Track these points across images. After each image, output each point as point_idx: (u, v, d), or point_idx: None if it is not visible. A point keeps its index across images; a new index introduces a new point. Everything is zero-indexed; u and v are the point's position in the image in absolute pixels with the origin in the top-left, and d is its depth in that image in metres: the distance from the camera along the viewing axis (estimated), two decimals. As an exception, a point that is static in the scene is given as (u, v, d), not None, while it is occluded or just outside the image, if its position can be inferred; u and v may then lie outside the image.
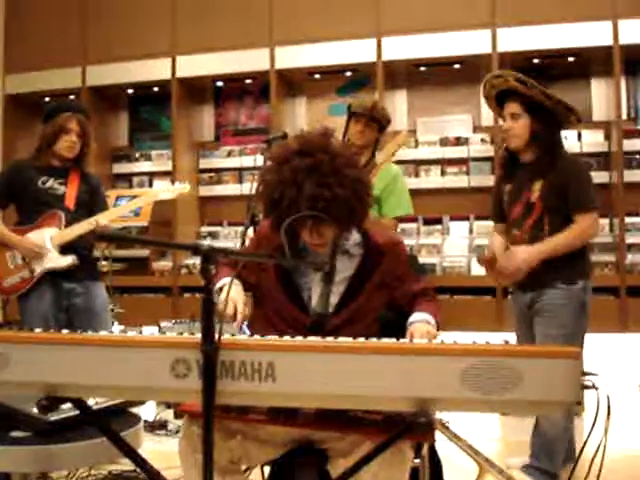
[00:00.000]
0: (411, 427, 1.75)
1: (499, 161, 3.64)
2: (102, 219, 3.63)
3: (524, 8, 5.22)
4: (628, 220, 5.17)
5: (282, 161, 2.21)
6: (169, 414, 4.21)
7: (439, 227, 5.67)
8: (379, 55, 5.47)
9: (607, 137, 5.40)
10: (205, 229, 6.16)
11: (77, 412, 2.58)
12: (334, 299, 2.35)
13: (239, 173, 6.10)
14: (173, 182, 5.95)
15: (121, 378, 1.70)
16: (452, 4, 5.35)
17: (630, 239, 5.17)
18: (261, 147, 4.01)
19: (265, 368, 1.64)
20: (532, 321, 3.31)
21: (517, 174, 3.35)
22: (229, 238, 6.08)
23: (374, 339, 1.78)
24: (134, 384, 1.70)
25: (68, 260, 3.62)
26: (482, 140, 5.61)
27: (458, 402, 1.63)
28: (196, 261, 5.88)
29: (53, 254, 3.63)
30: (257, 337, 1.73)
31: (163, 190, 3.94)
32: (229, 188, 6.02)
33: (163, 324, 5.36)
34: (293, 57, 5.66)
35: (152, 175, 6.27)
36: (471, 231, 5.61)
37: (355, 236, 2.38)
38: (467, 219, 5.65)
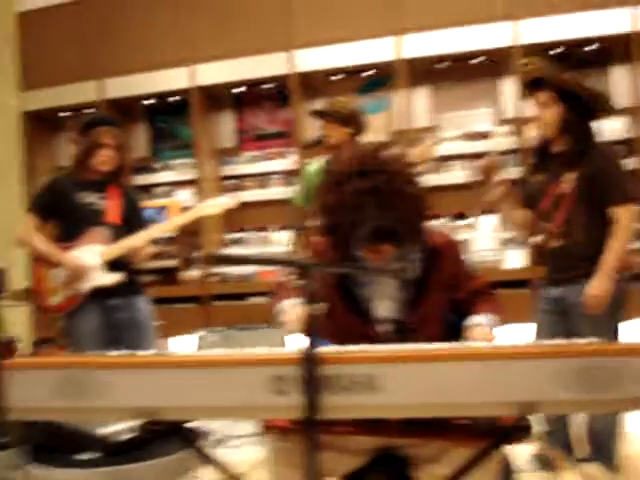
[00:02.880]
0: (512, 431, 1.75)
1: (530, 151, 3.62)
2: (138, 240, 3.64)
3: (542, -1, 5.22)
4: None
5: (342, 182, 2.20)
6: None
7: (465, 223, 5.66)
8: (399, 53, 5.46)
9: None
10: (230, 236, 6.15)
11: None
12: (397, 305, 2.36)
13: (263, 178, 6.08)
14: (199, 192, 6.01)
15: (222, 398, 1.69)
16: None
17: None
18: (300, 152, 4.02)
19: (367, 380, 1.64)
20: (562, 315, 3.29)
21: (548, 165, 3.33)
22: (254, 244, 6.06)
23: (453, 343, 1.79)
24: (235, 404, 1.69)
25: (114, 277, 3.63)
26: (506, 133, 5.59)
27: (562, 404, 1.63)
28: (227, 269, 5.88)
29: (98, 271, 3.62)
30: (356, 349, 1.72)
31: (209, 205, 3.92)
32: (253, 194, 5.98)
33: (200, 334, 5.39)
34: (312, 60, 5.65)
35: (174, 185, 6.25)
36: (498, 225, 5.59)
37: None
38: (494, 213, 5.63)
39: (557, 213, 3.24)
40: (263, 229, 6.05)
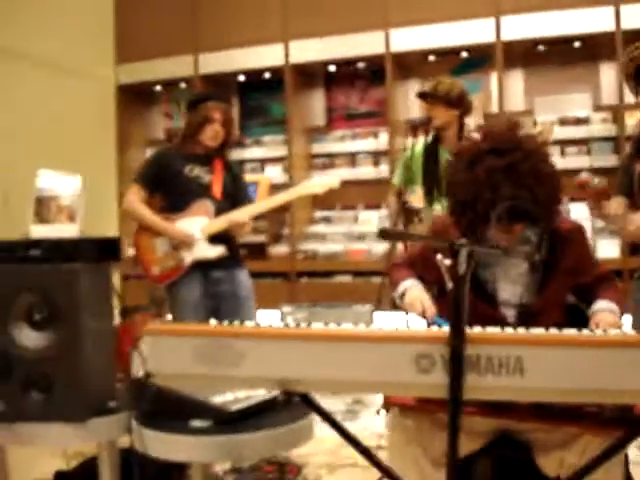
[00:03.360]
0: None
1: (633, 138, 3.49)
2: (245, 214, 3.68)
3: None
4: None
5: (474, 160, 2.17)
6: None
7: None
8: (498, 35, 5.37)
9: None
10: (319, 214, 6.18)
11: (256, 401, 2.65)
12: (521, 291, 2.33)
13: (352, 157, 6.09)
14: (285, 168, 6.04)
15: (362, 373, 1.69)
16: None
17: None
18: (406, 130, 4.01)
19: (513, 362, 1.63)
20: None
21: None
22: (343, 222, 6.09)
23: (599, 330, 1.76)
24: (376, 379, 1.70)
25: (218, 250, 3.68)
26: (603, 119, 5.46)
27: None
28: (315, 246, 5.92)
29: (203, 244, 3.68)
30: (502, 331, 1.71)
31: (314, 184, 3.91)
32: (342, 172, 5.96)
33: (285, 309, 5.44)
34: (409, 39, 5.60)
35: (264, 162, 6.31)
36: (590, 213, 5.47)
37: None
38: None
39: None
40: (352, 208, 6.06)
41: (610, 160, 5.32)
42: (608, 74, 5.47)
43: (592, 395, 1.66)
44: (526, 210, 2.07)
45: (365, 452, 1.91)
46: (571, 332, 1.73)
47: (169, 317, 4.40)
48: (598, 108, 5.55)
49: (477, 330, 1.68)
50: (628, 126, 5.15)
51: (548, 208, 2.16)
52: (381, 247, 5.77)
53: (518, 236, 2.27)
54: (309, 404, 1.88)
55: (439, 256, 1.68)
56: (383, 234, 1.78)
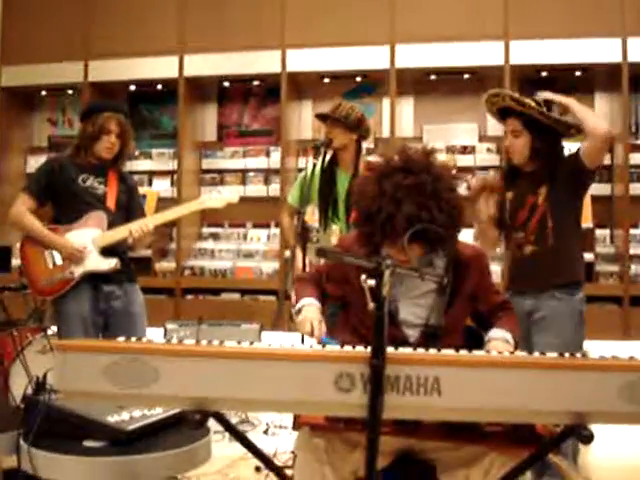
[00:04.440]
0: (560, 440, 1.79)
1: (500, 172, 3.72)
2: (150, 223, 3.60)
3: (536, 22, 5.33)
4: (632, 232, 5.31)
5: (383, 175, 2.23)
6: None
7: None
8: (392, 62, 5.51)
9: (609, 150, 5.53)
10: (207, 230, 6.12)
11: (151, 421, 2.57)
12: (424, 311, 2.39)
13: (243, 174, 6.07)
14: (173, 182, 5.95)
15: (281, 392, 1.68)
16: (466, 15, 5.43)
17: (633, 250, 5.31)
18: (308, 150, 4.03)
19: (431, 382, 1.66)
20: (529, 329, 3.33)
21: (518, 182, 3.41)
22: (230, 240, 6.05)
23: (508, 353, 1.83)
24: (295, 398, 1.69)
25: (111, 263, 3.57)
26: (488, 149, 5.71)
27: (615, 416, 1.68)
28: (202, 263, 5.85)
29: (95, 256, 3.56)
30: (422, 351, 1.74)
31: (211, 199, 3.85)
32: (232, 189, 5.91)
33: (169, 326, 5.32)
34: (305, 60, 5.65)
35: (152, 174, 6.18)
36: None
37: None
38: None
39: (531, 221, 3.33)
40: (241, 225, 6.03)
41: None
42: (494, 106, 5.69)
43: (506, 415, 1.72)
44: (423, 230, 2.12)
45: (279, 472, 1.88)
46: (482, 354, 1.79)
47: (51, 331, 4.23)
48: (484, 138, 5.78)
49: (393, 351, 1.70)
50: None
51: (445, 234, 2.21)
52: (270, 266, 5.77)
53: (419, 258, 2.32)
54: (222, 422, 1.85)
55: (363, 276, 1.69)
56: (320, 253, 1.77)
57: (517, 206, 3.39)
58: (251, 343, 1.81)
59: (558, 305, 3.26)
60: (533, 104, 3.23)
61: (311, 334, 2.29)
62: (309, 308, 2.40)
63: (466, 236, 5.33)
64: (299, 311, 2.41)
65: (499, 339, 2.37)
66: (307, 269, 3.66)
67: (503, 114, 3.41)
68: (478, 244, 3.58)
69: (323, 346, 2.05)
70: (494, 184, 3.47)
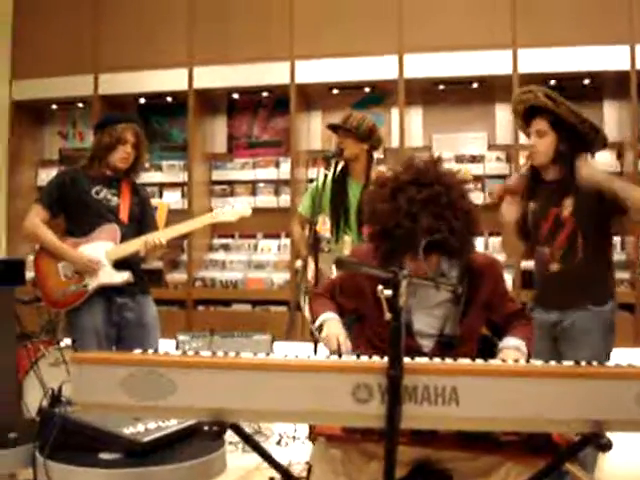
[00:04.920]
0: (577, 449, 1.79)
1: (523, 180, 3.66)
2: (163, 237, 3.61)
3: (544, 30, 5.33)
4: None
5: (396, 189, 2.24)
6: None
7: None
8: (401, 72, 5.52)
9: (619, 157, 5.53)
10: (218, 241, 6.13)
11: (166, 433, 2.58)
12: (438, 322, 2.39)
13: (252, 186, 6.08)
14: (184, 194, 5.97)
15: (298, 403, 1.69)
16: (474, 24, 5.43)
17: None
18: (319, 161, 4.03)
19: (449, 392, 1.66)
20: (556, 340, 3.32)
21: (541, 192, 3.37)
22: (241, 251, 6.06)
23: (522, 362, 1.83)
24: (312, 409, 1.70)
25: (124, 276, 3.58)
26: (497, 158, 5.71)
27: (634, 423, 1.67)
28: (213, 274, 5.86)
29: (108, 269, 3.57)
30: (439, 361, 1.74)
31: (224, 213, 3.86)
32: (242, 201, 5.91)
33: (180, 337, 5.33)
34: (314, 72, 5.67)
35: (162, 186, 6.21)
36: (486, 247, 5.68)
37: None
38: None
39: (558, 236, 3.28)
40: (251, 236, 6.05)
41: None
42: (503, 115, 5.72)
43: (524, 424, 1.72)
44: (443, 241, 2.13)
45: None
46: (500, 363, 1.79)
47: (63, 344, 4.24)
48: (493, 147, 5.78)
49: (411, 361, 1.71)
50: (521, 165, 5.39)
51: (464, 242, 2.23)
52: (281, 276, 5.78)
53: (435, 270, 2.34)
54: (239, 434, 1.85)
55: (380, 287, 1.70)
56: (338, 264, 1.78)
57: (540, 218, 3.33)
58: (267, 354, 1.82)
59: (586, 315, 3.20)
60: (564, 100, 3.17)
61: (338, 350, 2.30)
62: (331, 323, 2.42)
63: (479, 245, 5.39)
64: (321, 327, 2.42)
65: (510, 348, 2.37)
66: (319, 279, 3.66)
67: (529, 116, 3.34)
68: (503, 253, 3.58)
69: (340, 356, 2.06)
70: (516, 188, 3.41)
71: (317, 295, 2.62)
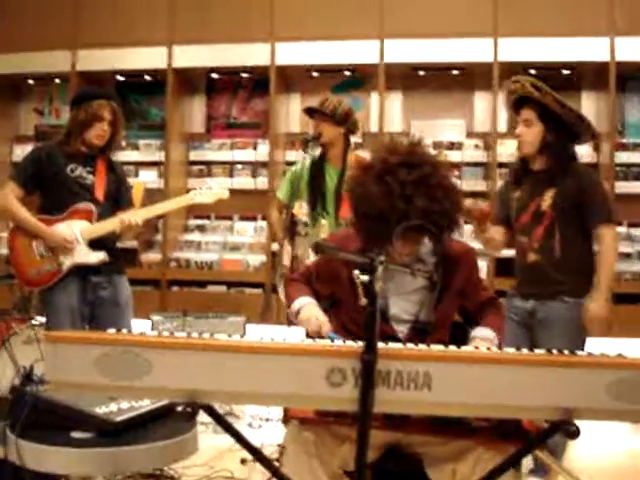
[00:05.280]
0: (547, 435, 1.82)
1: (511, 166, 3.69)
2: (139, 217, 3.58)
3: (525, 20, 5.35)
4: (618, 230, 5.32)
5: (385, 172, 2.23)
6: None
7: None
8: (382, 57, 5.51)
9: (596, 149, 5.57)
10: (193, 222, 6.11)
11: (138, 413, 2.58)
12: (413, 307, 2.40)
13: (230, 167, 6.05)
14: (160, 174, 5.93)
15: (272, 385, 1.70)
16: (455, 12, 5.43)
17: (619, 248, 5.34)
18: (298, 144, 4.02)
19: (422, 377, 1.68)
20: (531, 328, 3.36)
21: (527, 181, 3.40)
22: (217, 232, 6.04)
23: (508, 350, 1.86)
24: (286, 392, 1.70)
25: (99, 256, 3.56)
26: (475, 146, 5.73)
27: (603, 412, 1.70)
28: (188, 255, 5.84)
29: (83, 248, 3.55)
30: (412, 346, 1.76)
31: (201, 194, 3.84)
32: (219, 181, 5.88)
33: (154, 318, 5.31)
34: (294, 54, 5.64)
35: (138, 165, 6.15)
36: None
37: (427, 244, 2.42)
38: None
39: (536, 228, 3.31)
40: (228, 218, 6.03)
41: (480, 185, 5.59)
42: (482, 103, 5.75)
43: (496, 410, 1.74)
44: (437, 221, 2.15)
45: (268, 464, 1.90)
46: (473, 350, 1.80)
47: (36, 322, 4.22)
48: (471, 135, 5.80)
49: (384, 346, 1.72)
50: (499, 153, 5.44)
51: (453, 223, 2.25)
52: (257, 259, 5.77)
53: (413, 254, 2.35)
54: (212, 415, 1.85)
55: (356, 272, 1.70)
56: (316, 248, 1.78)
57: (521, 208, 3.38)
58: (242, 336, 1.82)
59: (561, 306, 3.26)
60: (555, 94, 3.21)
61: (318, 331, 2.30)
62: (309, 307, 2.41)
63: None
64: (298, 312, 2.42)
65: (483, 339, 2.39)
66: (294, 263, 3.67)
67: (518, 106, 3.37)
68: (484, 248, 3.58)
69: (332, 341, 2.07)
70: (484, 215, 3.27)
71: (292, 280, 2.62)
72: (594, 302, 3.20)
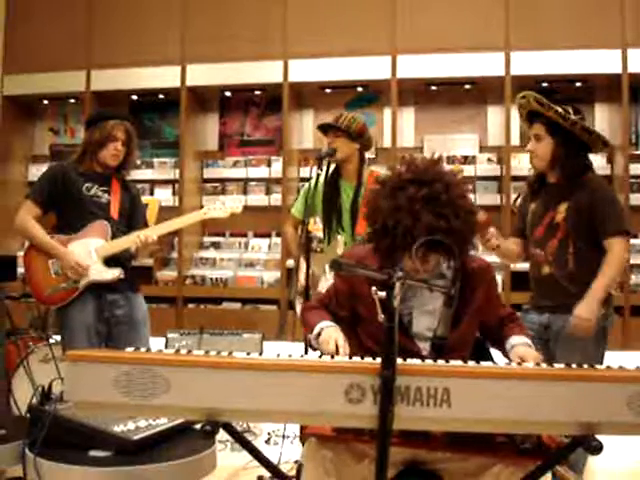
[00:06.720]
0: (568, 452, 1.80)
1: (528, 179, 3.69)
2: (153, 233, 3.60)
3: (536, 33, 5.36)
4: (633, 242, 5.32)
5: (396, 188, 2.24)
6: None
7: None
8: (394, 72, 5.53)
9: (609, 161, 5.56)
10: (208, 239, 6.13)
11: (157, 431, 2.58)
12: (435, 324, 2.39)
13: (244, 184, 6.07)
14: (174, 192, 5.96)
15: (291, 403, 1.70)
16: (467, 26, 5.45)
17: (633, 260, 5.32)
18: (313, 161, 4.03)
19: (441, 393, 1.67)
20: (547, 341, 3.32)
21: (542, 194, 3.40)
22: (232, 249, 6.06)
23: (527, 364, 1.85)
24: (305, 409, 1.70)
25: (115, 273, 3.58)
26: (489, 159, 5.72)
27: (624, 426, 1.69)
28: (203, 272, 5.86)
29: (98, 266, 3.57)
30: (431, 362, 1.75)
31: (215, 209, 3.86)
32: (233, 199, 5.86)
33: (170, 335, 5.31)
34: (307, 71, 5.67)
35: (153, 183, 6.18)
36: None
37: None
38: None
39: (550, 241, 3.31)
40: (242, 235, 6.05)
41: (494, 199, 5.58)
42: (495, 116, 5.75)
43: (517, 426, 1.73)
44: (442, 241, 2.14)
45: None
46: (491, 365, 1.80)
47: (53, 340, 4.24)
48: (484, 149, 5.80)
49: (403, 362, 1.72)
50: (512, 167, 5.43)
51: (464, 240, 2.24)
52: (271, 275, 5.78)
53: (435, 271, 2.34)
54: (231, 433, 1.85)
55: (374, 288, 1.70)
56: (334, 266, 1.78)
57: (536, 220, 3.37)
58: (260, 354, 1.82)
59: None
60: (558, 108, 3.20)
61: (336, 352, 2.29)
62: (329, 329, 2.37)
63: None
64: (319, 334, 2.39)
65: (523, 345, 2.38)
66: (310, 279, 3.66)
67: (530, 120, 3.38)
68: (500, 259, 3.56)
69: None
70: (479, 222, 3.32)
71: (309, 308, 2.58)
72: (582, 305, 3.16)
